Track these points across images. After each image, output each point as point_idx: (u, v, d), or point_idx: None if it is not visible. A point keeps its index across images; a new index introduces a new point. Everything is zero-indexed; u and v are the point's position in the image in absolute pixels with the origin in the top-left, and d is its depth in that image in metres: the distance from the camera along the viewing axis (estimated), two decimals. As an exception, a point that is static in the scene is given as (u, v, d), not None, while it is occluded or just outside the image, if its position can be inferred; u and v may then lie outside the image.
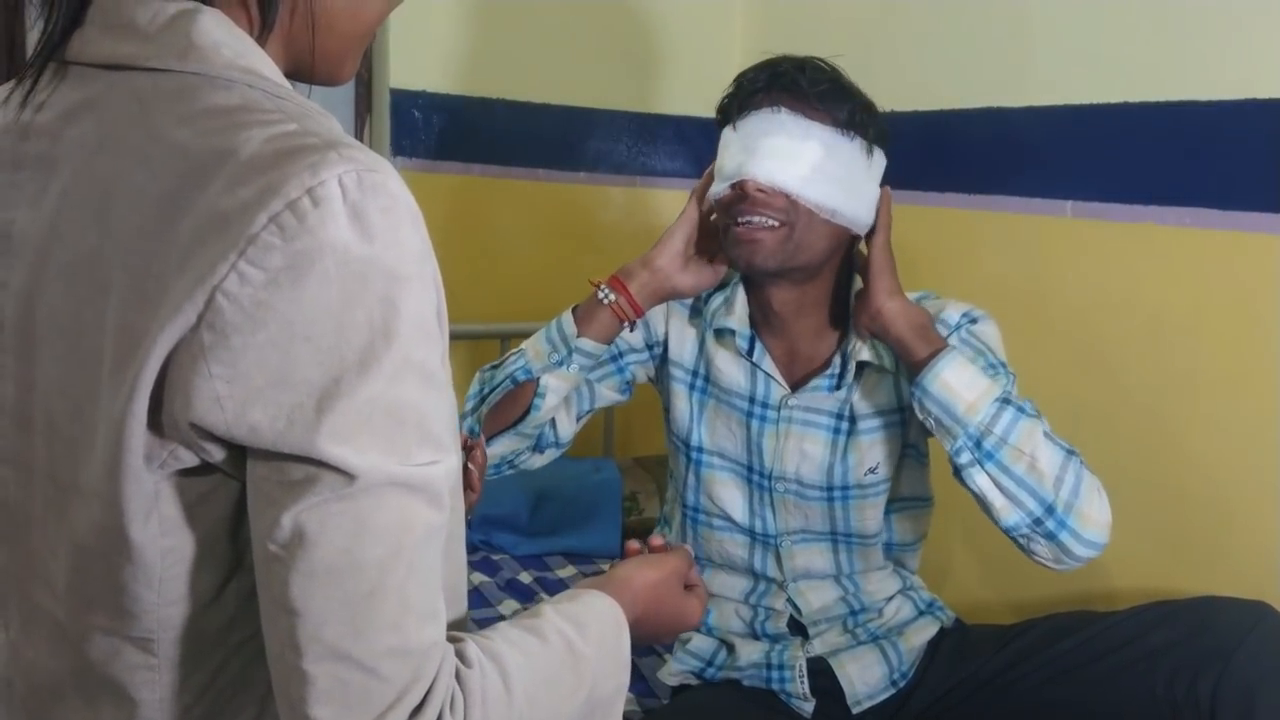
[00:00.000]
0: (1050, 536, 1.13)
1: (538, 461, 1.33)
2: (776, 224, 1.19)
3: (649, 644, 0.83)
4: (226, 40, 0.60)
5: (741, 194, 1.19)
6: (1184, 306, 1.49)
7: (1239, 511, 1.44)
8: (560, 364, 1.25)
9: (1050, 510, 1.12)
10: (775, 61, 1.23)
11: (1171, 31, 1.48)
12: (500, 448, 1.29)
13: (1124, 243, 1.54)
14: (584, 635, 0.72)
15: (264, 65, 0.62)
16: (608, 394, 1.37)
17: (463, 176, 2.16)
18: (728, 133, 1.24)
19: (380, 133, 2.11)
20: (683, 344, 1.36)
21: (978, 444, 1.13)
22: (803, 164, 1.18)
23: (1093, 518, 1.13)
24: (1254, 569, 1.41)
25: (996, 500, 1.13)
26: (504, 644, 0.66)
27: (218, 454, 0.58)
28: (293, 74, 0.66)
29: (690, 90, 2.34)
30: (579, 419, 1.35)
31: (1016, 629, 1.30)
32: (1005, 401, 1.15)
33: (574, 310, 1.28)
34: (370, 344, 0.55)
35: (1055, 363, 1.66)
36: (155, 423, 0.57)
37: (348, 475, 0.55)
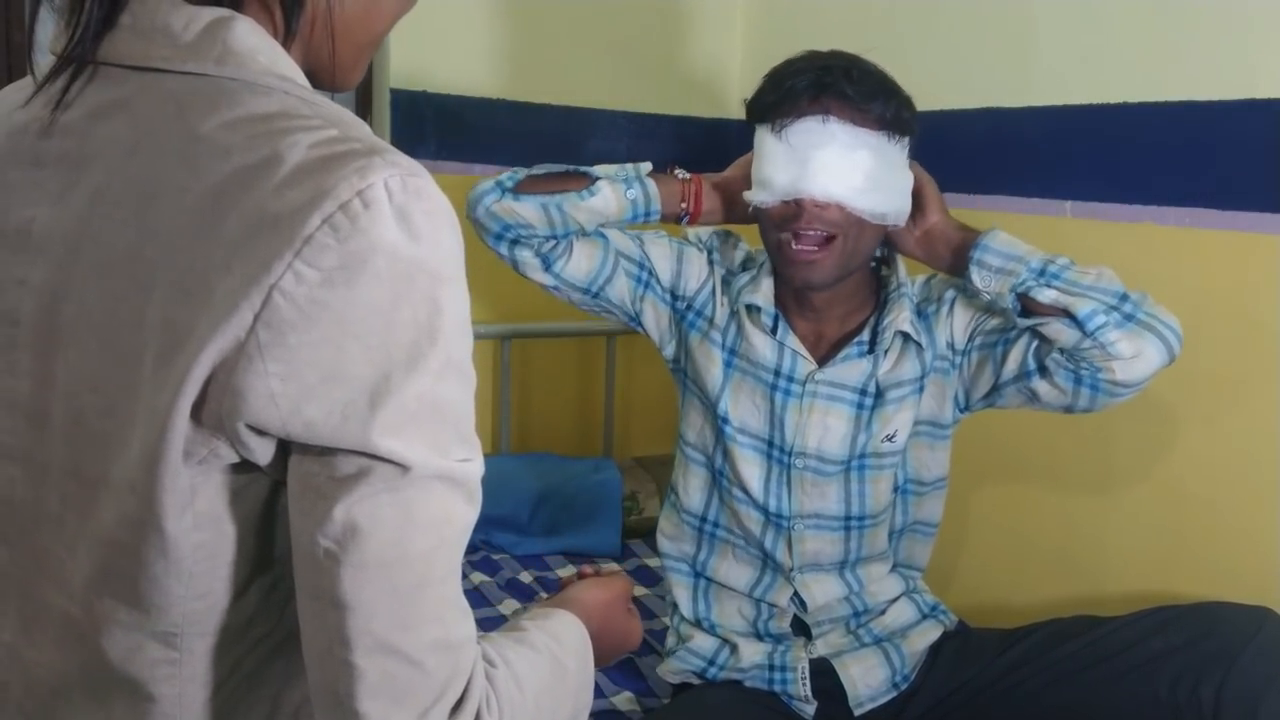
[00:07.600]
0: (1130, 318, 1.14)
1: (535, 272, 1.31)
2: (828, 236, 1.19)
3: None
4: (261, 47, 0.61)
5: (796, 210, 1.18)
6: (1184, 306, 1.48)
7: (1240, 513, 1.44)
8: (623, 180, 1.28)
9: (1125, 297, 1.14)
10: (819, 63, 1.19)
11: (1171, 31, 1.48)
12: (525, 209, 1.26)
13: (1124, 243, 1.54)
14: (564, 650, 0.74)
15: (295, 72, 0.63)
16: (620, 286, 1.35)
17: (463, 177, 2.16)
18: (769, 139, 1.20)
19: (380, 133, 2.11)
20: (720, 313, 1.36)
21: (1040, 272, 1.16)
22: (856, 175, 1.17)
23: (1167, 313, 1.16)
24: (1255, 573, 1.41)
25: (1068, 301, 1.13)
26: (509, 650, 0.68)
27: (262, 452, 0.59)
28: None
29: (690, 90, 2.33)
30: (590, 277, 1.32)
31: (1018, 633, 1.30)
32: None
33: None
34: (416, 342, 0.57)
35: (1055, 363, 1.65)
36: (197, 419, 0.57)
37: (401, 467, 0.57)
